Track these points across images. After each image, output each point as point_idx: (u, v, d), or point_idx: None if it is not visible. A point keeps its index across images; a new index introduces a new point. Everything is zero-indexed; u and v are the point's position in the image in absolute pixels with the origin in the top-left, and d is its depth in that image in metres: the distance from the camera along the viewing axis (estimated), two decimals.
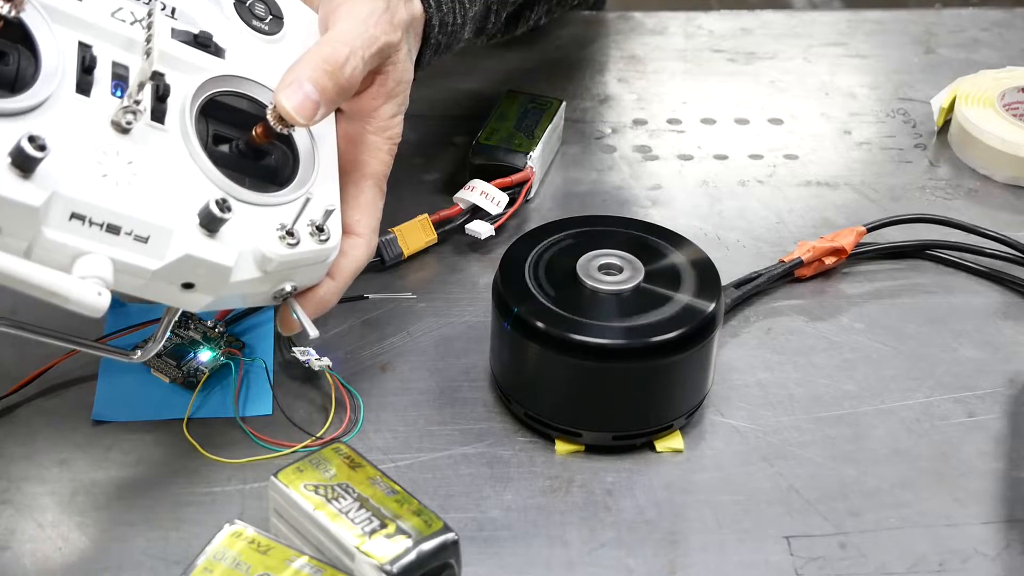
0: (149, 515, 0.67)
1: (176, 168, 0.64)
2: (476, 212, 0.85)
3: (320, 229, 0.66)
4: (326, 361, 0.73)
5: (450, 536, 0.61)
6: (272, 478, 0.63)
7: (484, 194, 0.85)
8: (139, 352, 0.67)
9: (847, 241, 0.84)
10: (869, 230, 0.86)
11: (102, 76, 0.63)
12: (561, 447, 0.71)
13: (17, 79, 0.61)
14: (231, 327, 0.76)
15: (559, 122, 0.94)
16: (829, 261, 0.84)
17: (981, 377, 0.77)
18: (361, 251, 0.71)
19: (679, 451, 0.72)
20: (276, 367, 0.75)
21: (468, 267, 0.84)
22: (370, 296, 0.80)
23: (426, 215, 0.84)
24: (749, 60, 1.08)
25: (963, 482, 0.71)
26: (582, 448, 0.71)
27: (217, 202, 0.61)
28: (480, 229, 0.84)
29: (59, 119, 0.60)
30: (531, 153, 0.88)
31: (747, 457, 0.72)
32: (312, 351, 0.73)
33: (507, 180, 0.86)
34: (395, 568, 0.59)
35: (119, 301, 0.77)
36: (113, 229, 0.60)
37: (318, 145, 0.70)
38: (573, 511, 0.68)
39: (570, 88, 1.03)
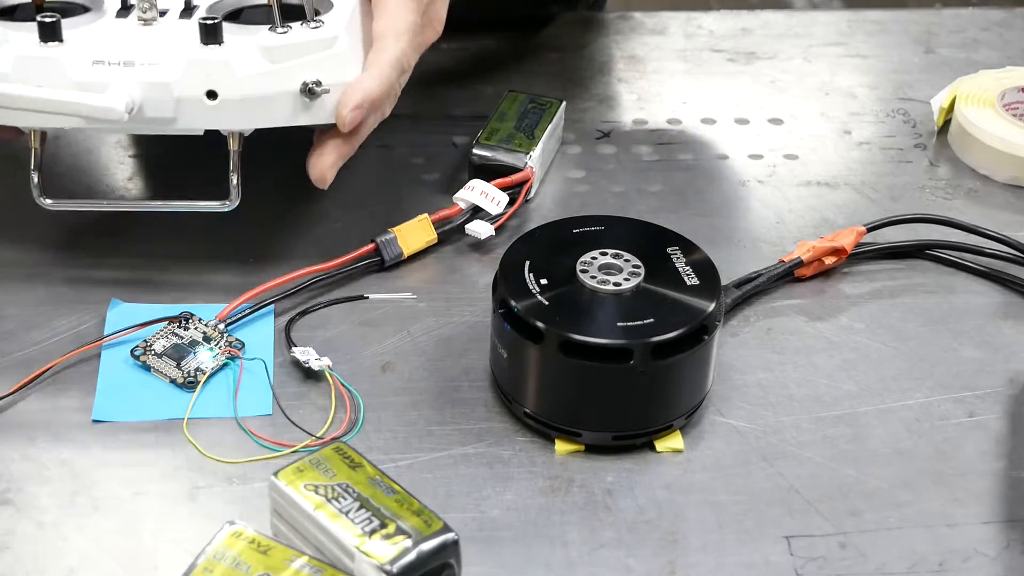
0: (149, 515, 0.67)
1: (189, 33, 0.74)
2: (476, 212, 0.85)
3: (316, 13, 0.75)
4: (326, 361, 0.73)
5: (450, 536, 0.61)
6: (272, 478, 0.63)
7: (484, 194, 0.85)
8: (227, 202, 0.76)
9: (847, 241, 0.84)
10: (869, 230, 0.86)
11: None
12: (561, 447, 0.71)
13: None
14: (231, 327, 0.76)
15: (559, 122, 0.94)
16: (829, 261, 0.84)
17: (981, 377, 0.77)
18: (390, 46, 0.75)
19: (679, 451, 0.72)
20: (276, 367, 0.75)
21: (468, 267, 0.84)
22: (370, 296, 0.80)
23: (426, 215, 0.84)
24: (749, 60, 1.08)
25: (963, 482, 0.71)
26: (582, 448, 0.71)
27: (203, 16, 0.72)
28: (480, 229, 0.84)
29: (90, 25, 0.75)
30: (531, 153, 0.88)
31: (747, 457, 0.72)
32: (312, 351, 0.74)
33: (507, 180, 0.86)
34: (395, 568, 0.59)
35: (118, 301, 0.77)
36: (128, 64, 0.72)
37: None
38: (573, 511, 0.68)
39: (570, 88, 1.03)
